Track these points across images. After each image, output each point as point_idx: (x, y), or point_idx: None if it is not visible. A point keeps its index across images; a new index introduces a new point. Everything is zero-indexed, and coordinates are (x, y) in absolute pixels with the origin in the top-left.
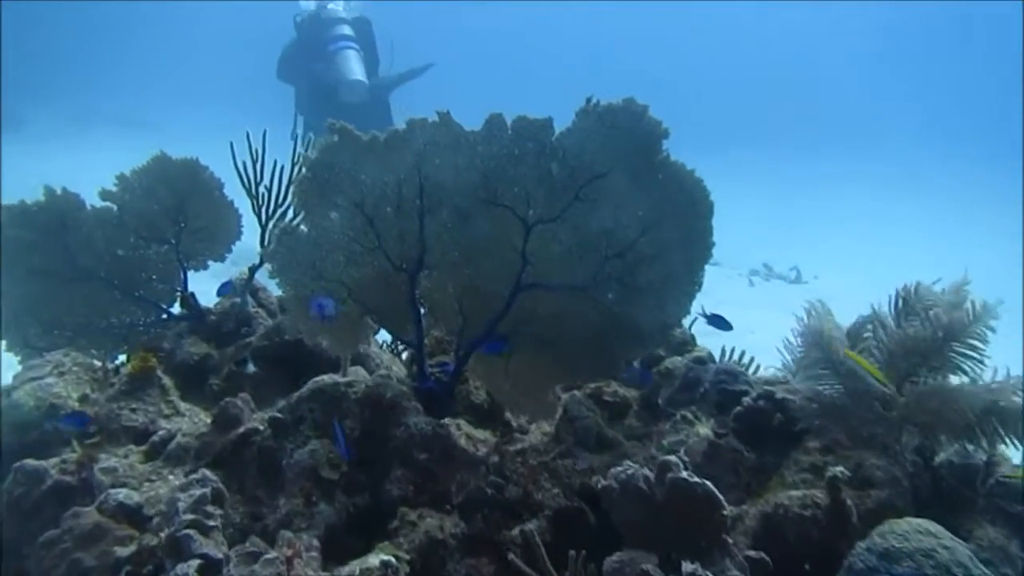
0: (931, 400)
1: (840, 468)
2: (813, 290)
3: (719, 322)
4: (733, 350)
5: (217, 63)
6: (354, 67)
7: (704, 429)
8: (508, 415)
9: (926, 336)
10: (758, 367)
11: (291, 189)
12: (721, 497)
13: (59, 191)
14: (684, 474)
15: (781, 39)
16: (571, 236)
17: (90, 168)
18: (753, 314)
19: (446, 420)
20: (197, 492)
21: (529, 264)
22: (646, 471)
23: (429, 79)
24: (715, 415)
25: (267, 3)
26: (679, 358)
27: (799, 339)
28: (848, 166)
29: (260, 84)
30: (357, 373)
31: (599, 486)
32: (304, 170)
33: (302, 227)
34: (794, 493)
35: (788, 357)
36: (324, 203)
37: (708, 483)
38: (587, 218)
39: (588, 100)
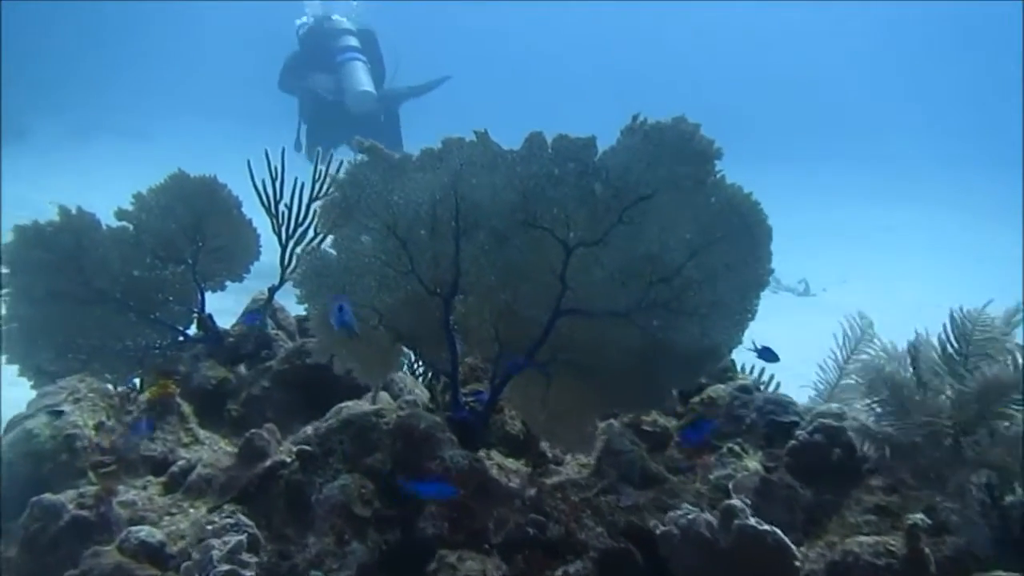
0: (1010, 444)
1: (920, 516)
2: (822, 303)
3: (768, 355)
4: (761, 372)
5: (218, 73)
6: (361, 78)
7: (753, 463)
8: (543, 446)
9: (1008, 380)
10: (778, 385)
11: (316, 209)
12: (793, 547)
13: (74, 211)
14: (752, 521)
15: (778, 42)
16: (614, 260)
17: (94, 182)
18: (763, 328)
19: (480, 452)
20: (232, 539)
21: (569, 289)
22: (708, 516)
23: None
24: (764, 447)
25: (267, 12)
26: (722, 386)
27: (860, 376)
28: (847, 172)
29: (260, 94)
30: (381, 398)
31: (657, 532)
32: (333, 191)
33: (331, 250)
34: (864, 539)
35: (822, 382)
36: (354, 225)
37: (778, 531)
38: (631, 241)
39: (634, 118)
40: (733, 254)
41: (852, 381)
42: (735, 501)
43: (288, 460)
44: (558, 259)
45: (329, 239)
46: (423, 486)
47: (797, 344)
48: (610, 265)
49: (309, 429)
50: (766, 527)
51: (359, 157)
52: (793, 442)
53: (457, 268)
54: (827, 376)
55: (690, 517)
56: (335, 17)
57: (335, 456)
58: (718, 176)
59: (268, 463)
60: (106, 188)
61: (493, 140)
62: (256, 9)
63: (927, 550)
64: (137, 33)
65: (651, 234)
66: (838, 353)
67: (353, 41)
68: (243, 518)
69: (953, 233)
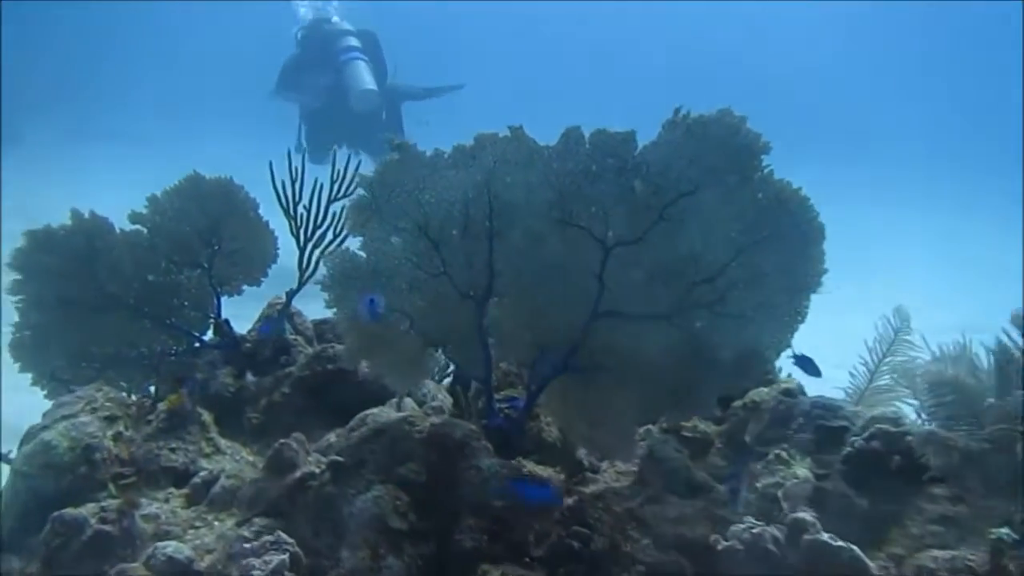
0: None
1: (1006, 530)
2: (836, 300)
3: (807, 365)
4: None
5: (215, 74)
6: (365, 76)
7: (802, 470)
8: (579, 453)
9: None
10: None
11: (335, 211)
12: (869, 563)
13: (87, 214)
14: (825, 536)
15: (776, 41)
16: (654, 260)
17: (89, 188)
18: None
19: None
20: (274, 559)
21: (607, 290)
22: (774, 530)
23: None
24: (812, 454)
25: (264, 15)
26: (764, 389)
27: (922, 380)
28: (843, 169)
29: (259, 96)
30: (406, 405)
31: (719, 547)
32: (361, 190)
33: (359, 252)
34: (939, 553)
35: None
36: (384, 226)
37: (855, 548)
38: (672, 240)
39: (676, 111)
40: (781, 253)
41: (886, 382)
42: (804, 514)
43: (318, 471)
44: (596, 259)
45: (350, 241)
46: (529, 488)
47: (812, 341)
48: (650, 265)
49: (332, 437)
50: (841, 543)
51: (391, 155)
52: (848, 449)
53: (491, 269)
54: (855, 379)
55: (755, 531)
56: (334, 19)
57: (367, 467)
58: (765, 171)
59: (298, 474)
60: (102, 194)
61: (528, 136)
62: (252, 11)
63: (1012, 567)
64: (131, 36)
65: (693, 232)
66: (868, 355)
67: (355, 41)
68: (283, 535)
69: (952, 234)
